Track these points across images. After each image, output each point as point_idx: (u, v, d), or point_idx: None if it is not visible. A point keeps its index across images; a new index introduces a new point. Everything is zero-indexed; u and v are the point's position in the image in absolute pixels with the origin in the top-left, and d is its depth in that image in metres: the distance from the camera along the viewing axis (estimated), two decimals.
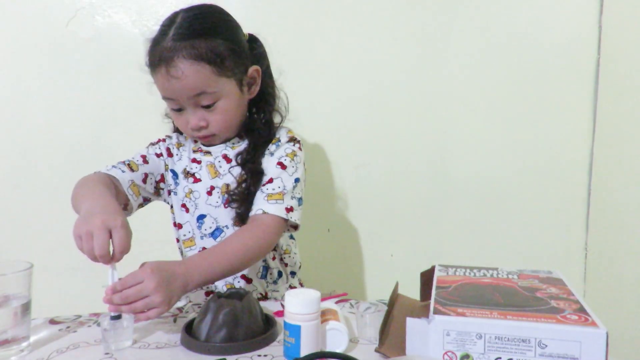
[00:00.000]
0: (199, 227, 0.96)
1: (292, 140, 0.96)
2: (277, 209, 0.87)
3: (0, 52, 1.27)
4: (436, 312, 0.58)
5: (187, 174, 0.97)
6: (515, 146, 1.40)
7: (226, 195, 0.93)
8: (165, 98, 0.89)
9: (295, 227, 0.92)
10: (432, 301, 0.62)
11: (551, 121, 1.39)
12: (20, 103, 1.29)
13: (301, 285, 1.09)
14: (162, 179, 0.98)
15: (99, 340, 0.70)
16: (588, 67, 1.38)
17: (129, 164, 0.92)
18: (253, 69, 0.92)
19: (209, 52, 0.83)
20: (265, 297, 0.99)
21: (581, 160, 1.41)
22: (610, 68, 1.34)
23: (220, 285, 0.97)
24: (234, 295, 0.73)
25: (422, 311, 0.70)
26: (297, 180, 0.92)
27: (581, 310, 0.59)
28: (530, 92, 1.39)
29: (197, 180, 0.96)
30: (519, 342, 0.55)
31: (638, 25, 1.26)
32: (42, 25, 1.27)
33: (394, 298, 0.76)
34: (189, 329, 0.71)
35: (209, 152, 0.97)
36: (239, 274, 0.96)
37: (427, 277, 0.77)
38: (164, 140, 1.01)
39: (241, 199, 0.91)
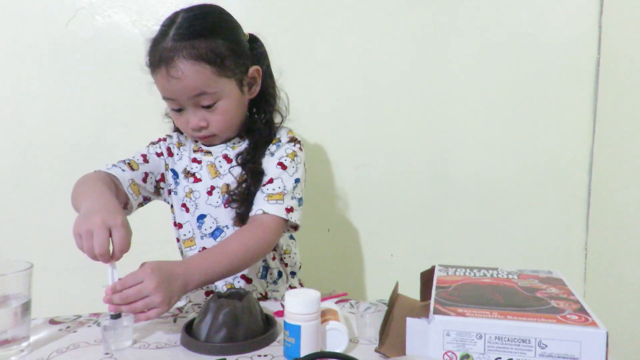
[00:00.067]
0: (199, 227, 0.96)
1: (293, 140, 0.96)
2: (277, 209, 0.87)
3: (0, 52, 1.27)
4: (436, 312, 0.58)
5: (188, 173, 0.97)
6: (515, 146, 1.40)
7: (226, 195, 0.93)
8: (165, 98, 0.89)
9: (296, 227, 0.92)
10: (432, 301, 0.62)
11: (551, 121, 1.40)
12: (20, 103, 1.29)
13: (301, 285, 1.09)
14: (162, 178, 0.99)
15: (99, 340, 0.70)
16: (588, 67, 1.38)
17: (129, 163, 0.92)
18: (253, 69, 0.92)
19: (209, 52, 0.83)
20: (265, 297, 0.99)
21: (581, 160, 1.41)
22: (610, 68, 1.34)
23: (220, 285, 0.97)
24: (234, 295, 0.73)
25: (422, 311, 0.70)
26: (297, 180, 0.92)
27: (581, 310, 0.59)
28: (530, 92, 1.39)
29: (197, 180, 0.96)
30: (519, 342, 0.55)
31: (638, 25, 1.26)
32: (42, 25, 1.27)
33: (394, 298, 0.76)
34: (189, 329, 0.71)
35: (209, 152, 0.97)
36: (239, 274, 0.96)
37: (427, 277, 0.77)
38: (164, 139, 1.01)
39: (241, 199, 0.91)
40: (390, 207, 1.40)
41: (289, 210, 0.88)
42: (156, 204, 1.00)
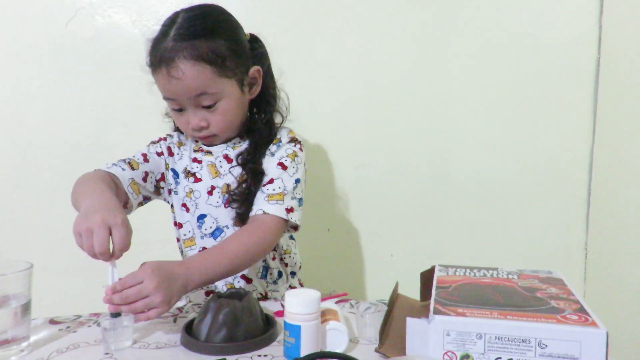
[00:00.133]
0: (199, 227, 0.96)
1: (293, 140, 0.96)
2: (277, 210, 0.87)
3: (0, 52, 1.27)
4: (436, 312, 0.58)
5: (188, 173, 0.97)
6: (515, 146, 1.40)
7: (227, 195, 0.93)
8: (166, 98, 0.89)
9: (296, 227, 0.92)
10: (432, 301, 0.62)
11: (551, 121, 1.40)
12: (20, 103, 1.29)
13: (301, 285, 1.09)
14: (163, 177, 0.98)
15: (99, 340, 0.70)
16: (588, 67, 1.38)
17: (129, 162, 0.92)
18: (254, 69, 0.92)
19: (210, 52, 0.83)
20: (265, 297, 0.99)
21: (581, 160, 1.41)
22: (610, 68, 1.34)
23: (220, 285, 0.97)
24: (234, 295, 0.73)
25: (422, 311, 0.70)
26: (297, 180, 0.92)
27: (581, 310, 0.59)
28: (530, 92, 1.39)
29: (197, 180, 0.96)
30: (519, 342, 0.55)
31: (638, 25, 1.26)
32: (42, 25, 1.27)
33: (394, 298, 0.76)
34: (189, 329, 0.71)
35: (209, 152, 0.97)
36: (239, 274, 0.96)
37: (427, 277, 0.77)
38: (165, 139, 1.01)
39: (241, 199, 0.91)
40: (390, 207, 1.40)
41: (289, 210, 0.88)
42: (156, 204, 1.00)
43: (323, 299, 0.72)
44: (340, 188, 1.39)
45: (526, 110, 1.39)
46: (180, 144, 1.00)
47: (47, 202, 1.30)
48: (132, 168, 0.92)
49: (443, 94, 1.37)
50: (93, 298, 0.80)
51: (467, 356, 0.56)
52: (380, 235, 1.41)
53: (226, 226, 0.95)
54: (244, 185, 0.91)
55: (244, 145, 0.96)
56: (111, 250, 0.68)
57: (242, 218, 0.91)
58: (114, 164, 0.90)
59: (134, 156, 0.95)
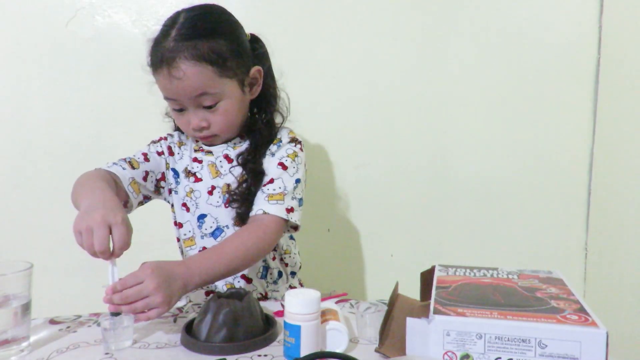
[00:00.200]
0: (200, 227, 0.96)
1: (294, 141, 0.96)
2: (277, 210, 0.87)
3: (0, 52, 1.27)
4: (436, 312, 0.58)
5: (189, 173, 0.97)
6: (515, 146, 1.40)
7: (227, 195, 0.93)
8: (167, 98, 0.89)
9: (296, 227, 0.92)
10: (432, 301, 0.62)
11: (551, 121, 1.39)
12: (20, 103, 1.29)
13: (301, 285, 1.09)
14: (163, 177, 0.99)
15: (99, 340, 0.70)
16: (588, 67, 1.38)
17: (129, 162, 0.92)
18: (255, 70, 0.92)
19: (211, 52, 0.83)
20: (265, 297, 0.99)
21: (581, 160, 1.41)
22: (610, 68, 1.34)
23: (220, 285, 0.97)
24: (234, 295, 0.73)
25: (422, 311, 0.70)
26: (297, 181, 0.92)
27: (581, 310, 0.59)
28: (530, 92, 1.39)
29: (198, 180, 0.96)
30: (519, 342, 0.55)
31: (638, 25, 1.26)
32: (42, 25, 1.27)
33: (394, 298, 0.76)
34: (189, 329, 0.71)
35: (210, 152, 0.97)
36: (239, 274, 0.96)
37: (427, 277, 0.77)
38: (165, 138, 1.01)
39: (242, 199, 0.91)
40: (390, 207, 1.40)
41: (289, 210, 0.88)
42: (156, 204, 1.00)
43: (323, 299, 0.72)
44: (340, 188, 1.39)
45: (526, 110, 1.39)
46: (180, 144, 1.00)
47: (47, 202, 1.30)
48: (133, 167, 0.92)
49: (443, 94, 1.37)
50: (93, 298, 0.80)
51: (467, 356, 0.56)
52: (380, 235, 1.41)
53: (226, 226, 0.95)
54: (244, 185, 0.92)
55: (244, 145, 0.96)
56: (111, 249, 0.69)
57: (242, 218, 0.91)
58: (114, 163, 0.90)
59: (134, 155, 0.95)
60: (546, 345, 0.54)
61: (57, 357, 0.66)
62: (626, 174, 1.29)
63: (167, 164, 0.99)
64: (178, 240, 1.02)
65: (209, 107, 0.87)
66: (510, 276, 0.72)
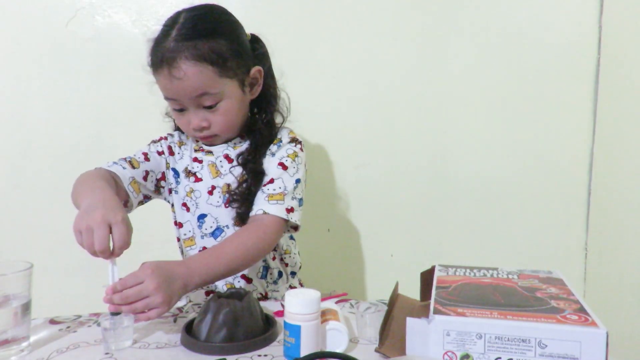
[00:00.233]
0: (200, 227, 0.96)
1: (294, 141, 0.96)
2: (277, 210, 0.87)
3: (0, 52, 1.27)
4: (436, 312, 0.58)
5: (189, 173, 0.97)
6: (515, 146, 1.40)
7: (227, 195, 0.93)
8: (167, 98, 0.89)
9: (296, 227, 0.92)
10: (432, 301, 0.62)
11: (551, 121, 1.39)
12: (20, 103, 1.29)
13: (301, 285, 1.09)
14: (163, 177, 0.99)
15: (99, 340, 0.70)
16: (588, 67, 1.38)
17: (130, 161, 0.92)
18: (255, 70, 0.92)
19: (212, 52, 0.83)
20: (265, 297, 0.99)
21: (581, 160, 1.41)
22: (610, 68, 1.34)
23: (221, 285, 0.97)
24: (234, 295, 0.73)
25: (422, 311, 0.70)
26: (298, 181, 0.92)
27: (581, 310, 0.59)
28: (530, 92, 1.39)
29: (198, 180, 0.96)
30: (519, 342, 0.55)
31: (638, 25, 1.26)
32: (42, 25, 1.27)
33: (394, 298, 0.76)
34: (189, 329, 0.71)
35: (210, 152, 0.97)
36: (239, 274, 0.96)
37: (427, 277, 0.77)
38: (165, 138, 1.01)
39: (242, 199, 0.91)
40: (390, 207, 1.40)
41: (290, 210, 0.88)
42: (156, 204, 1.00)
43: (323, 299, 0.72)
44: (340, 188, 1.39)
45: (526, 110, 1.39)
46: (181, 144, 1.00)
47: (47, 202, 1.30)
48: (133, 167, 0.92)
49: (443, 94, 1.37)
50: (93, 298, 0.80)
51: (467, 356, 0.56)
52: (380, 235, 1.41)
53: (226, 226, 0.95)
54: (244, 185, 0.92)
55: (244, 145, 0.96)
56: (111, 249, 0.69)
57: (242, 218, 0.91)
58: (114, 163, 0.90)
59: (134, 155, 0.95)
60: (546, 345, 0.54)
61: (57, 357, 0.66)
62: (626, 174, 1.29)
63: (167, 163, 0.99)
64: (178, 240, 1.02)
65: (210, 107, 0.87)
66: (510, 276, 0.72)
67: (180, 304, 0.82)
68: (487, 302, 0.61)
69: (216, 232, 0.95)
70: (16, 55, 1.27)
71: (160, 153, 0.98)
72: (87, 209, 0.70)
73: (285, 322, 0.64)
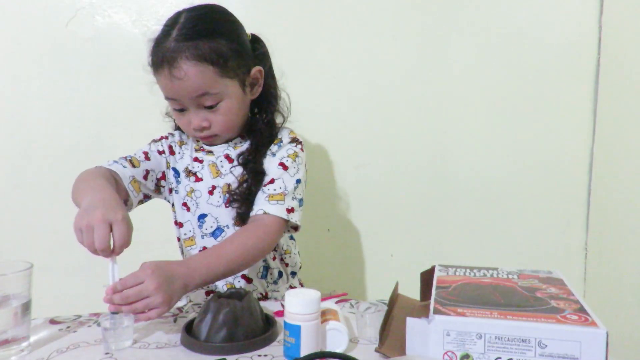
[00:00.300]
0: (200, 227, 0.96)
1: (294, 141, 0.96)
2: (278, 210, 0.87)
3: (0, 52, 1.27)
4: (436, 312, 0.58)
5: (189, 172, 0.97)
6: (515, 146, 1.40)
7: (227, 195, 0.93)
8: (167, 98, 0.89)
9: (296, 228, 0.92)
10: (432, 301, 0.62)
11: (551, 121, 1.40)
12: (20, 103, 1.29)
13: (301, 285, 1.09)
14: (163, 176, 0.98)
15: (99, 340, 0.70)
16: (588, 67, 1.38)
17: (130, 160, 0.92)
18: (256, 70, 0.92)
19: (212, 53, 0.83)
20: (265, 297, 0.99)
21: (581, 160, 1.41)
22: (610, 68, 1.34)
23: (221, 285, 0.97)
24: (234, 295, 0.73)
25: (422, 311, 0.70)
26: (298, 181, 0.92)
27: (581, 310, 0.59)
28: (530, 92, 1.39)
29: (198, 180, 0.96)
30: (519, 342, 0.55)
31: (638, 25, 1.26)
32: (42, 25, 1.27)
33: (394, 298, 0.76)
34: (189, 329, 0.71)
35: (211, 152, 0.97)
36: (240, 274, 0.96)
37: (427, 277, 0.77)
38: (166, 137, 1.01)
39: (242, 199, 0.91)
40: (390, 207, 1.40)
41: (290, 210, 0.88)
42: (157, 203, 1.00)
43: (323, 299, 0.72)
44: (340, 188, 1.39)
45: (526, 110, 1.39)
46: (181, 143, 1.00)
47: (47, 202, 1.30)
48: (133, 166, 0.92)
49: (443, 94, 1.37)
50: (93, 298, 0.80)
51: (467, 356, 0.56)
52: (380, 235, 1.41)
53: (227, 226, 0.95)
54: (244, 185, 0.92)
55: (245, 145, 0.96)
56: (112, 247, 0.68)
57: (242, 218, 0.91)
58: (115, 161, 0.90)
59: (135, 154, 0.95)
60: (546, 345, 0.54)
61: (57, 357, 0.66)
62: (626, 174, 1.29)
63: (167, 163, 0.99)
64: (178, 239, 1.02)
65: (210, 107, 0.87)
66: (510, 276, 0.72)
67: (180, 304, 0.82)
68: (487, 302, 0.61)
69: (216, 232, 0.95)
70: (16, 55, 1.27)
71: (160, 152, 0.98)
72: (88, 208, 0.70)
73: (285, 322, 0.64)
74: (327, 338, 0.66)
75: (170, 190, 0.99)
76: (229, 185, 0.94)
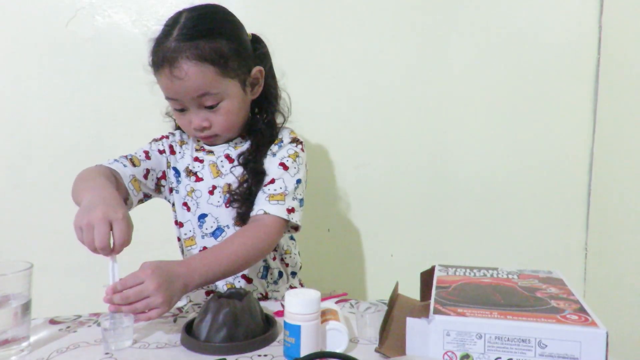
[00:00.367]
0: (200, 227, 0.96)
1: (295, 141, 0.96)
2: (278, 210, 0.87)
3: (0, 52, 1.27)
4: (436, 312, 0.58)
5: (190, 172, 0.97)
6: (515, 146, 1.40)
7: (228, 195, 0.93)
8: (168, 98, 0.89)
9: (296, 228, 0.92)
10: (432, 301, 0.62)
11: (551, 121, 1.40)
12: (20, 103, 1.29)
13: (301, 285, 1.09)
14: (164, 175, 0.98)
15: (99, 340, 0.70)
16: (588, 67, 1.38)
17: (131, 159, 0.92)
18: (256, 70, 0.92)
19: (213, 53, 0.83)
20: (265, 297, 0.99)
21: (581, 160, 1.41)
22: (610, 68, 1.34)
23: (221, 285, 0.97)
24: (234, 295, 0.73)
25: (422, 311, 0.70)
26: (298, 181, 0.92)
27: (581, 310, 0.59)
28: (530, 91, 1.39)
29: (199, 179, 0.96)
30: (519, 342, 0.55)
31: (638, 25, 1.26)
32: (42, 25, 1.27)
33: (394, 298, 0.76)
34: (189, 329, 0.71)
35: (211, 152, 0.97)
36: (240, 274, 0.96)
37: (427, 277, 0.77)
38: (167, 137, 1.01)
39: (242, 199, 0.91)
40: (390, 207, 1.40)
41: (290, 210, 0.88)
42: (157, 203, 1.00)
43: (323, 299, 0.72)
44: (340, 188, 1.39)
45: (526, 110, 1.39)
46: (182, 143, 1.00)
47: (47, 202, 1.30)
48: (134, 165, 0.92)
49: (443, 94, 1.37)
50: (93, 298, 0.80)
51: (467, 356, 0.56)
52: (380, 235, 1.41)
53: (227, 226, 0.95)
54: (245, 185, 0.91)
55: (245, 145, 0.96)
56: (112, 245, 0.68)
57: (242, 218, 0.91)
58: (115, 160, 0.90)
59: (135, 153, 0.95)
60: (546, 345, 0.54)
61: (57, 357, 0.66)
62: (626, 174, 1.29)
63: (168, 162, 0.99)
64: (179, 239, 1.02)
65: (211, 107, 0.87)
66: (510, 276, 0.72)
67: (180, 304, 0.82)
68: (487, 302, 0.61)
69: (217, 232, 0.95)
70: (16, 55, 1.27)
71: (161, 152, 0.98)
72: (88, 206, 0.70)
73: (285, 322, 0.64)
74: (327, 338, 0.66)
75: (171, 190, 0.99)
76: (229, 185, 0.94)
